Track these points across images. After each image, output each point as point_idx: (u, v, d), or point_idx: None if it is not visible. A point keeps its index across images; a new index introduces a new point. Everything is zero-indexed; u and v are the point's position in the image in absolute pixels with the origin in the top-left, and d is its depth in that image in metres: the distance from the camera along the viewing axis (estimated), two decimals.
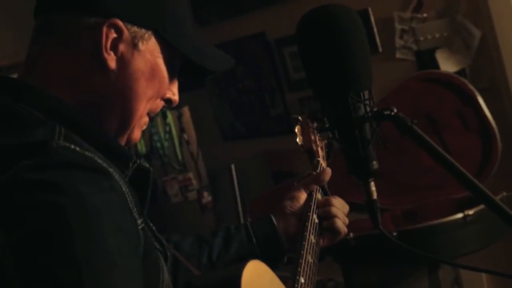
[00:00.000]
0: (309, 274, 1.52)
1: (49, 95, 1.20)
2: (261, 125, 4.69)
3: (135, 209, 1.14)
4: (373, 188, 1.29)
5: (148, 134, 4.88)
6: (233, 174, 4.66)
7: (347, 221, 1.73)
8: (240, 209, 4.60)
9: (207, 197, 4.89)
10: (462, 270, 3.51)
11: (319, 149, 1.95)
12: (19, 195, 1.01)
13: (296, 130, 1.94)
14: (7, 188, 1.02)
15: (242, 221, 3.75)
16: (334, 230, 1.70)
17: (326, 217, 1.69)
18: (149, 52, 1.27)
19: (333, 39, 1.21)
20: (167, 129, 4.86)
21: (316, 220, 1.67)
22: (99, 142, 1.19)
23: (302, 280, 1.48)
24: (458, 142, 3.06)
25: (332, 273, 3.71)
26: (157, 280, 1.22)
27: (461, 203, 2.91)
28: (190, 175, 4.86)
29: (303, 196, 1.73)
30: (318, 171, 1.82)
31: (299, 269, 1.49)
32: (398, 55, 3.82)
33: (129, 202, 1.13)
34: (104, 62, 1.22)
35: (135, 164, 1.25)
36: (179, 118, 4.85)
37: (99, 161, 1.11)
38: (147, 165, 1.30)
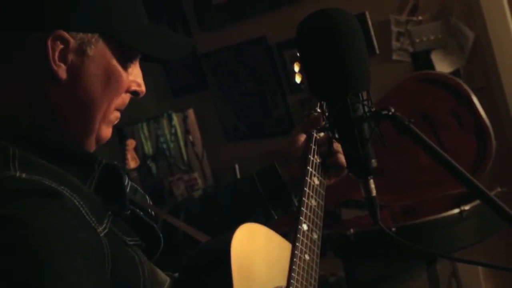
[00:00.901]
0: (312, 219, 1.48)
1: (1, 115, 1.19)
2: (263, 126, 4.69)
3: (94, 217, 1.13)
4: (372, 185, 1.28)
5: (154, 136, 4.88)
6: (237, 174, 4.67)
7: None
8: None
9: None
10: (459, 263, 3.51)
11: None
12: None
13: (295, 68, 1.83)
14: None
15: None
16: (339, 166, 1.65)
17: (329, 154, 1.64)
18: (100, 55, 1.23)
19: (332, 42, 1.20)
20: (173, 131, 4.85)
21: (318, 160, 1.61)
22: (58, 153, 1.19)
23: (305, 227, 1.46)
24: (454, 140, 3.06)
25: (333, 268, 3.70)
26: (137, 275, 1.21)
27: (458, 199, 2.91)
28: (196, 175, 4.86)
29: (301, 138, 1.68)
30: (317, 108, 1.73)
31: (300, 217, 1.46)
32: (394, 57, 3.82)
33: (84, 214, 1.12)
34: (55, 74, 1.19)
35: (101, 165, 1.25)
36: (184, 120, 4.84)
37: (46, 182, 1.09)
38: (114, 162, 1.29)
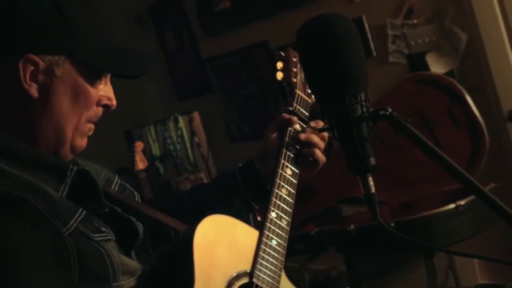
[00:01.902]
0: (282, 207, 1.55)
1: None
2: (266, 127, 4.68)
3: (57, 220, 1.20)
4: (371, 182, 1.28)
5: (161, 138, 4.88)
6: None
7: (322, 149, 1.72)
8: None
9: None
10: (456, 256, 3.51)
11: (298, 80, 1.88)
12: None
13: (277, 66, 1.88)
14: None
15: (250, 216, 3.74)
16: (314, 159, 1.69)
17: (307, 146, 1.69)
18: (67, 75, 1.31)
19: (331, 46, 1.21)
20: (179, 133, 4.85)
21: (293, 153, 1.66)
22: (33, 162, 1.27)
23: (274, 215, 1.52)
24: (449, 138, 3.05)
25: (335, 263, 3.70)
26: (104, 266, 1.27)
27: (453, 195, 2.91)
28: (202, 175, 4.86)
29: (274, 135, 1.75)
30: (294, 103, 1.80)
31: (269, 206, 1.53)
32: (391, 59, 3.82)
33: (48, 217, 1.19)
34: (27, 92, 1.28)
35: (73, 172, 1.32)
36: (190, 122, 4.85)
37: (13, 192, 1.17)
38: (85, 168, 1.36)
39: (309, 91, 1.87)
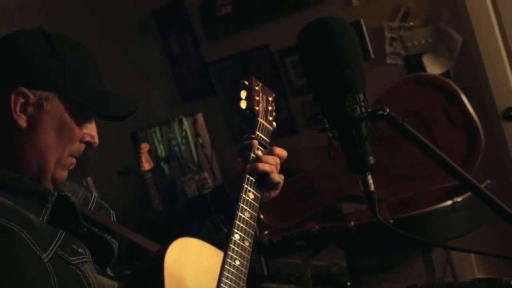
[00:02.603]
0: (245, 229, 1.58)
1: None
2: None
3: (38, 248, 1.26)
4: (371, 180, 1.28)
5: (166, 139, 4.88)
6: None
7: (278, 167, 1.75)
8: None
9: None
10: (453, 251, 3.50)
11: (261, 107, 1.90)
12: None
13: (241, 95, 1.89)
14: None
15: None
16: (273, 183, 1.72)
17: (264, 171, 1.71)
18: (54, 110, 1.37)
19: (330, 48, 1.21)
20: (184, 134, 4.86)
21: (255, 178, 1.69)
22: (16, 188, 1.33)
23: (237, 237, 1.55)
24: (445, 137, 3.05)
25: (336, 259, 3.70)
26: None
27: (450, 191, 2.91)
28: (206, 174, 4.86)
29: (238, 161, 1.77)
30: (256, 130, 1.84)
31: (233, 228, 1.56)
32: (388, 61, 3.81)
33: (30, 245, 1.25)
34: (16, 123, 1.34)
35: (54, 197, 1.38)
36: (194, 124, 4.85)
37: None
38: (64, 193, 1.43)
39: (271, 118, 1.92)
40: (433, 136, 3.04)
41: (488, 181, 2.87)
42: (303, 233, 3.16)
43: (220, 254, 1.52)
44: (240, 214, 1.60)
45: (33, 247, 1.25)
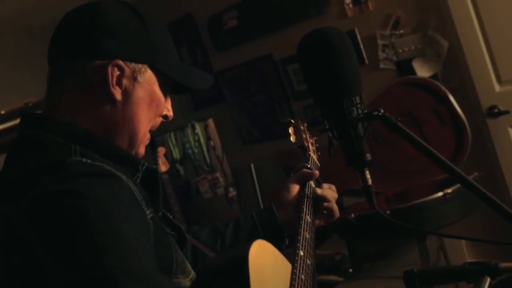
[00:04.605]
0: (307, 248, 1.50)
1: (67, 123, 1.23)
2: (273, 130, 4.69)
3: (143, 202, 1.17)
4: (368, 176, 1.28)
5: (181, 143, 4.89)
6: (252, 172, 4.68)
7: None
8: (260, 200, 4.61)
9: (232, 192, 4.89)
10: (445, 238, 3.50)
11: (309, 144, 1.91)
12: (47, 203, 1.05)
13: (289, 131, 1.91)
14: (37, 199, 1.05)
15: None
16: (332, 211, 1.68)
17: (324, 200, 1.67)
18: (147, 82, 1.28)
19: (328, 56, 1.21)
20: (196, 138, 4.86)
21: (311, 204, 1.64)
22: (111, 153, 1.22)
23: (302, 253, 1.47)
24: (435, 134, 3.05)
25: (338, 248, 3.70)
26: (171, 259, 1.24)
27: (441, 184, 2.91)
28: (218, 174, 4.87)
29: (296, 187, 1.69)
30: (309, 163, 1.81)
31: (298, 244, 1.48)
32: (381, 66, 3.81)
33: (137, 197, 1.15)
34: (112, 95, 1.24)
35: (144, 167, 1.28)
36: (206, 128, 4.86)
37: (107, 168, 1.14)
38: (154, 166, 1.32)
39: (315, 156, 1.91)
40: (424, 134, 3.04)
41: (476, 173, 2.87)
42: None
43: (288, 263, 1.45)
44: (303, 233, 1.53)
45: (139, 199, 1.16)
